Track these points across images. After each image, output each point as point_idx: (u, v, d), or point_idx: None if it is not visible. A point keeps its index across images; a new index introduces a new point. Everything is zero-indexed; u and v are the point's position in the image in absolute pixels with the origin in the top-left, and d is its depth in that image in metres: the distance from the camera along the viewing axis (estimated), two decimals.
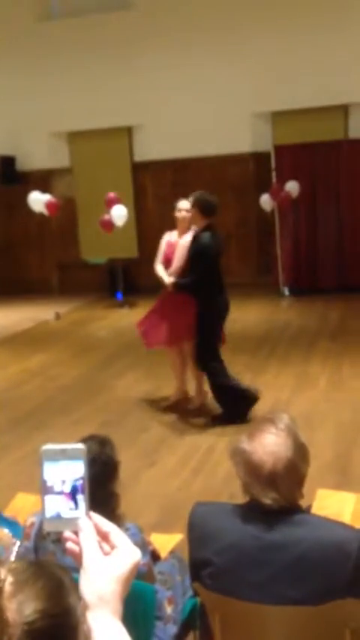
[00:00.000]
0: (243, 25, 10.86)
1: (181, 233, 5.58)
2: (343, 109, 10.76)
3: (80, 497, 1.04)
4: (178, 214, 5.55)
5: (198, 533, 2.08)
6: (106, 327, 9.52)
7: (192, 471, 4.64)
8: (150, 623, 2.26)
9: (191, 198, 5.33)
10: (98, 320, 10.00)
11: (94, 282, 11.95)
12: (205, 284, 5.28)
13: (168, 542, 2.86)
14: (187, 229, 5.52)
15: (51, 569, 1.25)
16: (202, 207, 5.23)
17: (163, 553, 2.72)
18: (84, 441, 2.31)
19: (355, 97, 10.55)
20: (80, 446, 1.06)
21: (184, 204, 5.51)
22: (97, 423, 5.45)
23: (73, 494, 1.05)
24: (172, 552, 2.73)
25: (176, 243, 5.59)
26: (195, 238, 5.30)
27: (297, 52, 10.64)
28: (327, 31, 10.50)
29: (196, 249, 5.26)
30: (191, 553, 2.10)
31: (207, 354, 5.38)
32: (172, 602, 2.42)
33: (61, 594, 1.20)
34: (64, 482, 1.04)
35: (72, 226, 12.10)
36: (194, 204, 5.26)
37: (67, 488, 1.05)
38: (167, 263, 5.63)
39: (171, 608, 2.40)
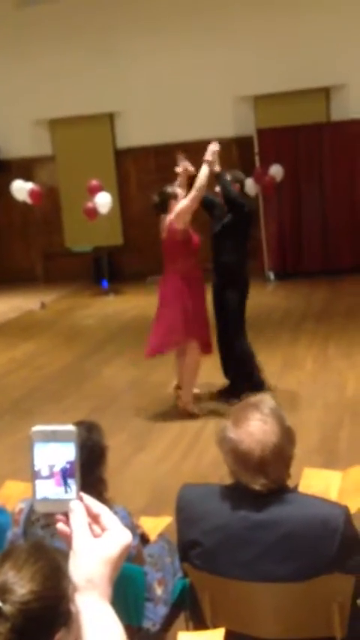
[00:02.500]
0: (223, 8, 10.77)
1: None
2: (325, 92, 10.73)
3: (71, 480, 1.04)
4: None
5: (186, 514, 2.10)
6: (92, 315, 9.50)
7: (181, 455, 4.67)
8: (140, 605, 2.28)
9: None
10: (84, 308, 9.98)
11: (79, 271, 11.89)
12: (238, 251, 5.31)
13: (157, 525, 2.88)
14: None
15: (51, 553, 1.26)
16: None
17: (152, 536, 2.74)
18: None
19: (337, 80, 10.53)
20: (71, 428, 1.05)
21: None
22: (86, 410, 5.46)
23: (64, 476, 1.04)
24: (160, 535, 2.75)
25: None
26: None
27: (278, 35, 10.59)
28: (308, 13, 10.44)
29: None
30: (180, 534, 2.12)
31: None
32: (162, 584, 2.44)
33: (58, 578, 1.20)
34: (54, 464, 1.03)
35: (56, 215, 12.02)
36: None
37: (58, 470, 1.04)
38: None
39: (161, 590, 2.43)
